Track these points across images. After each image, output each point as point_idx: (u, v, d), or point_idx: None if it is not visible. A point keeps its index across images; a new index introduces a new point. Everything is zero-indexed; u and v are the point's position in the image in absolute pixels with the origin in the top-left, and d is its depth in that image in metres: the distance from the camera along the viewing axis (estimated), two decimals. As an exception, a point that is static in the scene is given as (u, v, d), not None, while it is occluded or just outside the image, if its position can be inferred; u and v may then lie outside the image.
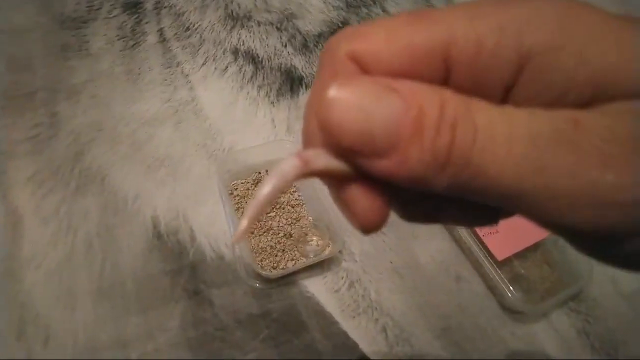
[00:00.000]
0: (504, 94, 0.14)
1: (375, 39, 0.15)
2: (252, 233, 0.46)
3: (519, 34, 0.13)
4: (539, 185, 0.13)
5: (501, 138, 0.13)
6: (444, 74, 0.14)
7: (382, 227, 0.16)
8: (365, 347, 0.42)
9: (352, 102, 0.13)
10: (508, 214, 0.17)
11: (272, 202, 0.15)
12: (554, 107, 0.13)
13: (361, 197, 0.15)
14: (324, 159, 0.15)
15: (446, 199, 0.16)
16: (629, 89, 0.13)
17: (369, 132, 0.13)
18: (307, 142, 0.16)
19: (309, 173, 0.15)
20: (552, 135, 0.13)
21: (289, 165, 0.15)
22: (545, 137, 0.13)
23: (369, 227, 0.16)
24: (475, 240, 0.47)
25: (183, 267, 0.44)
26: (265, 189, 0.15)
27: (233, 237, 0.15)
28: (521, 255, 0.47)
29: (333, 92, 0.13)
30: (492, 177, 0.13)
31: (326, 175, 0.15)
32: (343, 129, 0.13)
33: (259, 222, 0.47)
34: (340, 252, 0.47)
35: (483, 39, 0.14)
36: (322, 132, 0.14)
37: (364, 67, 0.15)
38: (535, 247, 0.48)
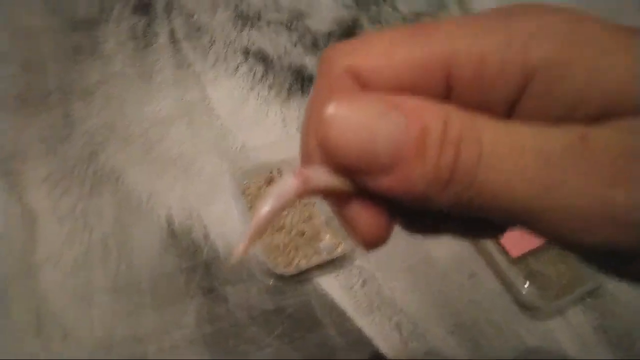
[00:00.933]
0: (509, 109, 0.14)
1: (375, 53, 0.14)
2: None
3: (525, 49, 0.13)
4: (547, 204, 0.12)
5: (507, 155, 0.13)
6: (446, 88, 0.14)
7: (384, 244, 0.15)
8: (379, 343, 0.42)
9: (352, 119, 0.13)
10: (513, 227, 0.17)
11: (273, 222, 0.15)
12: (561, 122, 0.13)
13: (363, 214, 0.15)
14: (323, 177, 0.14)
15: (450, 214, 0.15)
16: (638, 105, 0.12)
17: (370, 150, 0.13)
18: (306, 159, 0.16)
19: (308, 192, 0.14)
20: (560, 152, 0.12)
21: (288, 186, 0.14)
22: (553, 153, 0.12)
23: (371, 244, 0.15)
24: (489, 236, 0.47)
25: (197, 265, 0.44)
26: (264, 210, 0.14)
27: (232, 258, 0.15)
28: (536, 252, 0.47)
29: (332, 109, 0.13)
30: (498, 195, 0.13)
31: (327, 194, 0.15)
32: (343, 147, 0.13)
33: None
34: (353, 249, 0.47)
35: (487, 55, 0.13)
36: (321, 150, 0.14)
37: (363, 83, 0.14)
38: (550, 244, 0.48)
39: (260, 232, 0.15)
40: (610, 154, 0.12)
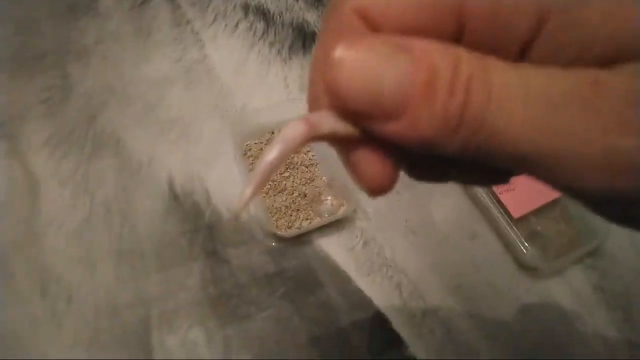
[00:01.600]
0: (521, 52, 0.14)
1: None
2: (267, 193, 0.46)
3: None
4: (555, 149, 0.12)
5: (517, 98, 0.12)
6: (457, 30, 0.13)
7: (390, 190, 0.15)
8: (380, 303, 0.43)
9: (360, 62, 0.13)
10: (518, 174, 0.17)
11: (278, 168, 0.14)
12: (573, 66, 0.13)
13: (369, 160, 0.15)
14: (330, 122, 0.14)
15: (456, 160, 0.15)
16: None
17: (378, 94, 0.13)
18: (313, 104, 0.16)
19: (315, 137, 0.14)
20: (570, 97, 0.12)
21: (295, 130, 0.14)
22: (563, 98, 0.12)
23: (376, 190, 0.15)
24: (491, 197, 0.47)
25: (200, 228, 0.45)
26: (270, 155, 0.14)
27: (237, 204, 0.14)
28: (538, 212, 0.47)
29: (340, 52, 0.13)
30: (506, 139, 0.13)
31: (333, 139, 0.15)
32: (350, 91, 0.13)
33: (272, 181, 0.47)
34: (354, 211, 0.47)
35: None
36: (329, 94, 0.13)
37: (371, 23, 0.14)
38: (552, 204, 0.47)
39: (266, 178, 0.15)
40: (621, 100, 0.12)
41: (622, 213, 0.14)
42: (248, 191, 0.15)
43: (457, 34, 0.14)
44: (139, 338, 0.39)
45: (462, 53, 0.13)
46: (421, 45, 0.13)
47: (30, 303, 0.40)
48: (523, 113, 0.12)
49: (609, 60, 0.12)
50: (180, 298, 0.41)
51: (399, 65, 0.12)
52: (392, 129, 0.13)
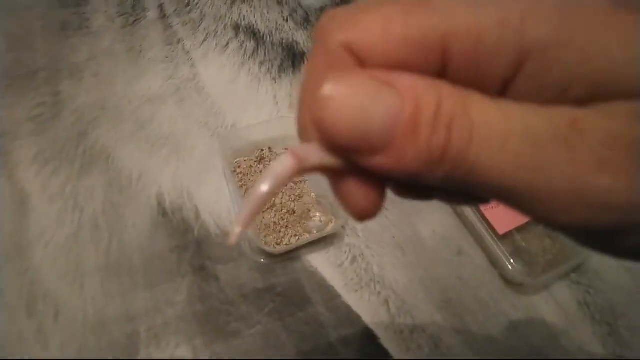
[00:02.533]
0: (503, 86, 0.14)
1: (371, 28, 0.14)
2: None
3: (521, 28, 0.13)
4: (532, 185, 0.13)
5: (497, 136, 0.13)
6: (442, 64, 0.14)
7: (376, 216, 0.16)
8: (368, 319, 0.43)
9: (347, 100, 0.13)
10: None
11: (268, 202, 0.15)
12: (553, 103, 0.13)
13: (356, 189, 0.15)
14: (318, 156, 0.14)
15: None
16: (631, 88, 0.13)
17: (364, 131, 0.13)
18: (302, 134, 0.16)
19: (303, 171, 0.15)
20: (548, 136, 0.13)
21: (284, 165, 0.15)
22: (541, 136, 0.13)
23: (363, 216, 0.16)
24: (477, 214, 0.47)
25: (189, 244, 0.45)
26: (260, 190, 0.15)
27: (230, 239, 0.15)
28: (523, 228, 0.48)
29: (326, 90, 0.13)
30: (487, 175, 0.13)
31: (321, 170, 0.15)
32: (337, 128, 0.13)
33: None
34: (343, 227, 0.47)
35: (483, 33, 0.13)
36: (316, 130, 0.14)
37: (358, 57, 0.14)
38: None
39: (255, 212, 0.15)
40: (597, 139, 0.12)
41: (599, 245, 0.15)
42: (239, 227, 0.15)
43: (441, 69, 0.14)
44: (126, 355, 0.39)
45: (445, 91, 0.13)
46: (406, 83, 0.13)
47: (17, 318, 0.40)
48: (502, 151, 0.13)
49: (586, 98, 0.13)
50: (168, 314, 0.41)
51: (385, 103, 0.13)
52: (378, 162, 0.14)
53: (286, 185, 0.49)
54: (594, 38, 0.13)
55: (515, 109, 0.13)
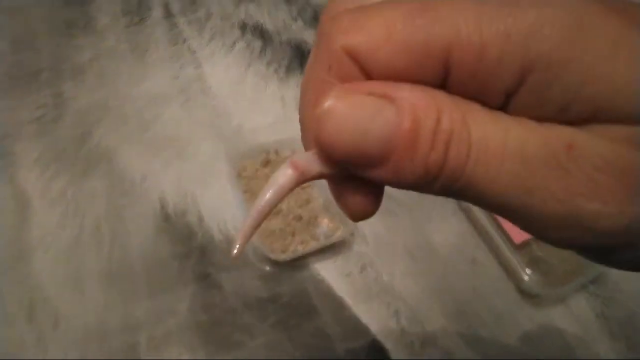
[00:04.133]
0: (505, 99, 0.14)
1: (374, 34, 0.14)
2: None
3: (525, 43, 0.13)
4: (527, 204, 0.13)
5: (495, 154, 0.13)
6: (443, 73, 0.14)
7: (372, 216, 0.17)
8: (376, 331, 0.41)
9: (345, 119, 0.13)
10: None
11: (271, 212, 0.16)
12: (553, 119, 0.13)
13: (354, 193, 0.16)
14: (318, 166, 0.15)
15: None
16: (630, 113, 0.13)
17: (363, 146, 0.13)
18: (305, 142, 0.17)
19: (305, 181, 0.15)
20: (544, 158, 0.13)
21: (285, 177, 0.15)
22: (537, 158, 0.13)
23: (359, 218, 0.17)
24: (492, 222, 0.46)
25: (192, 250, 0.44)
26: (263, 200, 0.15)
27: (232, 255, 0.16)
28: (539, 237, 0.46)
29: (326, 108, 0.13)
30: (482, 190, 0.14)
31: (321, 178, 0.16)
32: (335, 146, 0.14)
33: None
34: (351, 234, 0.46)
35: (487, 45, 0.13)
36: (316, 143, 0.14)
37: (360, 62, 0.14)
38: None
39: (257, 225, 0.16)
40: (591, 164, 0.13)
41: (593, 258, 0.16)
42: (241, 240, 0.16)
43: (442, 78, 0.14)
44: (126, 365, 0.38)
45: (444, 105, 0.13)
46: (407, 97, 0.13)
47: (16, 326, 0.39)
48: (498, 170, 0.13)
49: (585, 118, 0.13)
50: (170, 324, 0.40)
51: (383, 121, 0.13)
52: (376, 174, 0.14)
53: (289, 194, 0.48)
54: (599, 60, 0.12)
55: (514, 127, 0.13)
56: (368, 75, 0.14)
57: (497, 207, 0.14)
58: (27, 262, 0.42)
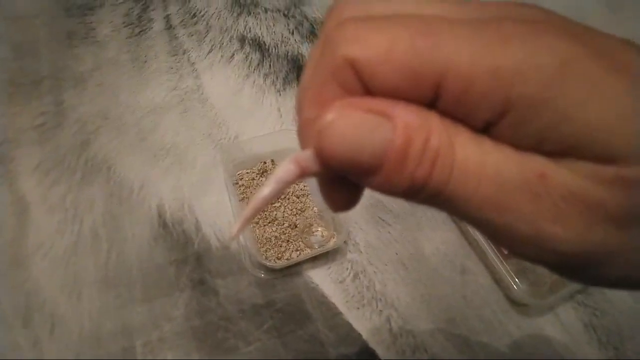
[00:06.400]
0: (485, 126, 0.15)
1: (376, 50, 0.14)
2: (257, 223, 0.46)
3: (510, 82, 0.14)
4: (499, 223, 0.15)
5: (474, 175, 0.15)
6: (434, 95, 0.15)
7: (352, 209, 0.19)
8: (368, 338, 0.42)
9: (347, 134, 0.15)
10: None
11: (269, 203, 0.19)
12: (529, 150, 0.15)
13: (340, 190, 0.18)
14: (316, 165, 0.16)
15: None
16: (598, 152, 0.14)
17: (358, 160, 0.15)
18: (303, 142, 0.18)
19: (304, 177, 0.17)
20: (518, 183, 0.14)
21: (287, 171, 0.17)
22: (511, 182, 0.14)
23: (341, 211, 0.19)
24: (482, 232, 0.46)
25: (188, 257, 0.44)
26: (264, 192, 0.17)
27: (229, 235, 0.17)
28: (528, 247, 0.47)
29: (329, 121, 0.15)
30: (461, 206, 0.15)
31: (318, 176, 0.17)
32: (335, 156, 0.15)
33: (263, 212, 0.47)
34: (345, 243, 0.47)
35: (475, 79, 0.14)
36: (317, 153, 0.16)
37: (358, 73, 0.15)
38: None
39: (257, 212, 0.17)
40: (559, 195, 0.14)
41: (562, 274, 0.17)
42: (240, 223, 0.17)
43: (433, 99, 0.15)
44: (121, 370, 0.38)
45: (434, 126, 0.15)
46: (402, 116, 0.15)
47: (12, 330, 0.39)
48: (475, 190, 0.15)
49: (560, 153, 0.14)
50: (166, 329, 0.40)
51: (381, 136, 0.15)
52: (367, 181, 0.16)
53: (288, 188, 0.49)
54: (575, 103, 0.13)
55: (494, 152, 0.15)
56: (365, 84, 0.15)
57: (472, 221, 0.16)
58: (24, 268, 0.42)
